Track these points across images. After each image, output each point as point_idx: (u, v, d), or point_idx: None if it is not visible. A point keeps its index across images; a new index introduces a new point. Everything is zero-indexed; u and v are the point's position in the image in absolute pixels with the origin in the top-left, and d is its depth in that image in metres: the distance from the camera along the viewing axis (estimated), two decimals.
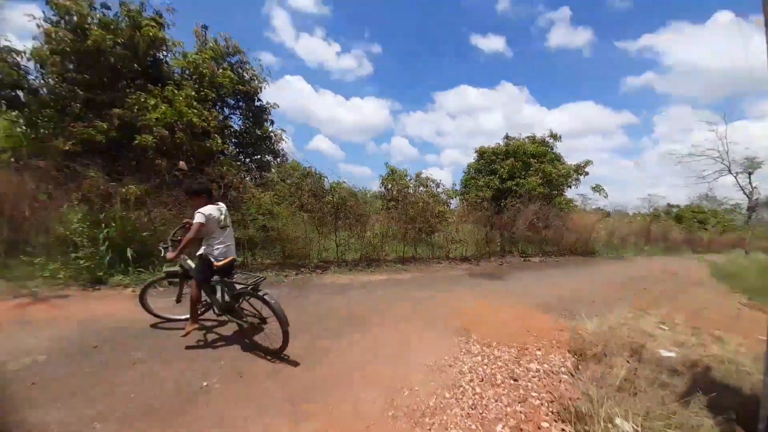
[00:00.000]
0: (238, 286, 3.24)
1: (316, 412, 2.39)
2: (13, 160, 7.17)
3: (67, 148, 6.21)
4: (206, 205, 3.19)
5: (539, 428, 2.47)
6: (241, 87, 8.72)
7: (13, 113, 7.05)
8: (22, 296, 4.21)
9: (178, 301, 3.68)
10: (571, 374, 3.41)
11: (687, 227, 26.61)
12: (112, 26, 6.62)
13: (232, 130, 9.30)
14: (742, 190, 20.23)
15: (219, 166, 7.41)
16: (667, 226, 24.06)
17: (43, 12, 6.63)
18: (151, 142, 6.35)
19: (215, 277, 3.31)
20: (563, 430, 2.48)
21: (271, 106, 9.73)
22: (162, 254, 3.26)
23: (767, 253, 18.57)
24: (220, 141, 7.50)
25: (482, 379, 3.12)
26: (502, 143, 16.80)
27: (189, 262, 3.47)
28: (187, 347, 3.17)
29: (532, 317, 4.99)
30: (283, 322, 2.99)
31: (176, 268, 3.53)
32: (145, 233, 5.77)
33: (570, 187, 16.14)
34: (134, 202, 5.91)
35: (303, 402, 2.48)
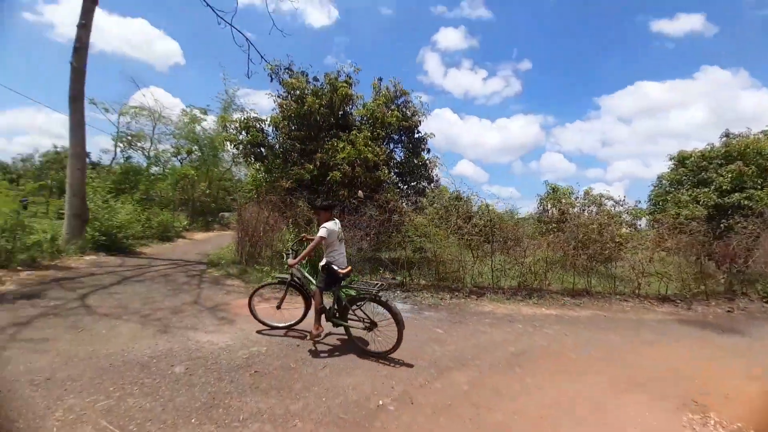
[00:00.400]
0: (361, 291, 3.51)
1: None
2: (256, 196, 10.10)
3: (287, 185, 8.34)
4: (329, 220, 3.65)
5: None
6: (404, 123, 9.67)
7: (257, 165, 10.01)
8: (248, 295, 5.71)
9: (279, 307, 3.95)
10: None
11: None
12: (319, 93, 8.62)
13: (394, 161, 10.38)
14: None
15: (385, 193, 8.33)
16: None
17: (277, 90, 9.30)
18: (339, 177, 7.75)
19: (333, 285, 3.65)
20: None
21: (428, 135, 10.36)
22: (284, 260, 3.90)
23: None
24: (387, 171, 8.44)
25: None
26: (718, 143, 12.37)
27: (303, 271, 3.94)
28: (324, 353, 3.51)
29: None
30: (401, 325, 3.34)
31: (286, 276, 3.99)
32: None
33: None
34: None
35: None
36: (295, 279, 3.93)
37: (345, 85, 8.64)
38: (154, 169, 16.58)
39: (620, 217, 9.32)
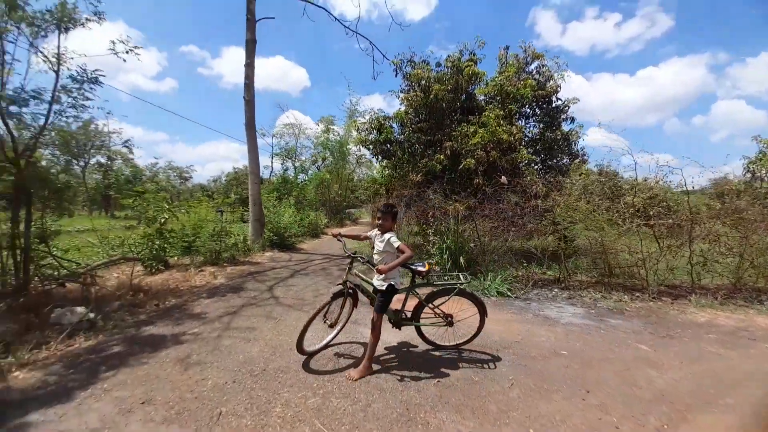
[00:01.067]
0: (446, 286, 3.18)
1: None
2: (385, 191, 10.33)
3: (418, 179, 8.17)
4: (392, 229, 3.04)
5: None
6: (540, 92, 8.23)
7: (385, 161, 10.22)
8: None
9: (332, 325, 3.28)
10: None
11: None
12: (443, 78, 8.10)
13: (527, 138, 9.02)
14: None
15: (523, 176, 7.22)
16: None
17: (400, 86, 9.19)
18: (473, 164, 7.09)
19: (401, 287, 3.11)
20: None
21: (570, 102, 8.57)
22: (349, 264, 3.19)
23: None
24: (525, 151, 7.31)
25: None
26: None
27: (363, 276, 3.26)
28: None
29: None
30: (484, 313, 3.21)
31: (340, 287, 3.14)
32: (472, 243, 6.43)
33: None
34: (462, 217, 6.78)
35: None
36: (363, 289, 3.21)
37: (470, 63, 7.81)
38: (301, 177, 19.32)
39: None
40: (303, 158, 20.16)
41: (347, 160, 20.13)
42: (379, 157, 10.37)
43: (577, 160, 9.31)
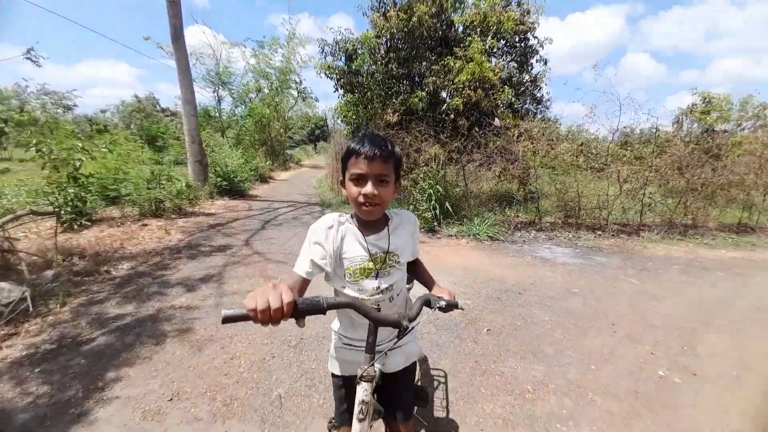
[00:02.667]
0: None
1: None
2: (351, 133, 9.52)
3: (395, 119, 7.58)
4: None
5: None
6: (520, 26, 7.91)
7: (349, 95, 9.19)
8: None
9: None
10: None
11: None
12: None
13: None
14: None
15: (503, 118, 7.21)
16: None
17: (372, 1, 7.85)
18: (460, 105, 6.76)
19: None
20: None
21: (544, 41, 8.46)
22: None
23: None
24: (508, 92, 7.20)
25: None
26: None
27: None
28: None
29: None
30: None
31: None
32: (457, 189, 6.44)
33: None
34: (445, 161, 6.63)
35: None
36: None
37: None
38: (239, 110, 16.59)
39: None
40: (234, 87, 16.97)
41: (289, 92, 17.72)
42: (342, 90, 9.29)
43: (541, 106, 9.63)
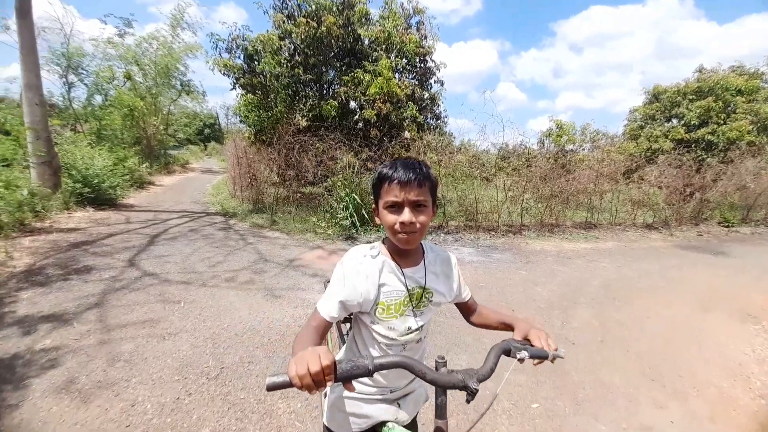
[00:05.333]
0: None
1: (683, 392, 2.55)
2: (252, 137, 8.94)
3: (304, 124, 7.44)
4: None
5: None
6: (420, 49, 8.78)
7: (251, 97, 8.61)
8: (314, 248, 5.45)
9: None
10: None
11: None
12: (335, 9, 7.25)
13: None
14: None
15: (403, 132, 7.88)
16: None
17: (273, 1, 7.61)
18: (373, 116, 7.07)
19: None
20: None
21: (440, 65, 9.60)
22: None
23: None
24: (414, 108, 7.87)
25: None
26: (691, 79, 13.33)
27: None
28: None
29: None
30: None
31: None
32: (372, 196, 6.68)
33: None
34: (360, 170, 6.85)
35: (657, 379, 2.68)
36: None
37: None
38: (97, 100, 13.49)
39: (613, 154, 10.00)
40: (90, 71, 13.73)
41: (172, 84, 15.37)
42: (241, 89, 8.67)
43: (439, 121, 10.82)
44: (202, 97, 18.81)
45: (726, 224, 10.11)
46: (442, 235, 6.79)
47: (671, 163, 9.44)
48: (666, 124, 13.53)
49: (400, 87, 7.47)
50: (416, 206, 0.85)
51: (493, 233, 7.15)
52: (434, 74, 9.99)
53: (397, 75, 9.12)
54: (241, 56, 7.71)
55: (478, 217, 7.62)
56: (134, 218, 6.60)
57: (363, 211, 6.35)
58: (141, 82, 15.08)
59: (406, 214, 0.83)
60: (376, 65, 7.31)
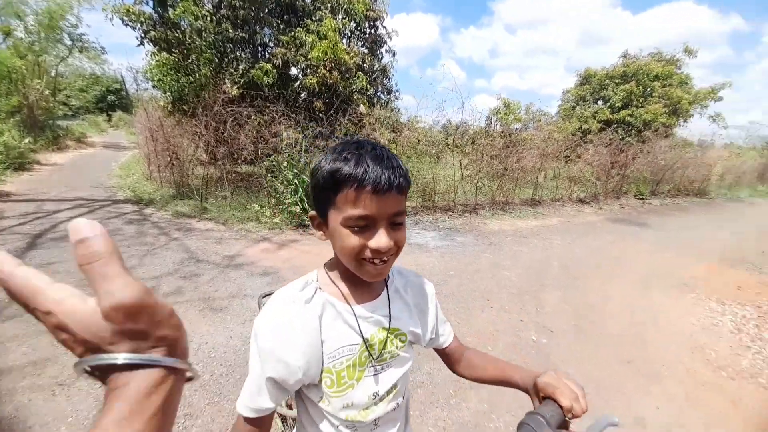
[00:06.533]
0: None
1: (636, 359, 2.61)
2: (171, 105, 7.53)
3: (234, 92, 6.34)
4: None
5: None
6: (369, 12, 8.01)
7: (164, 54, 7.11)
8: (259, 241, 4.74)
9: None
10: None
11: None
12: None
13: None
14: None
15: (356, 105, 7.27)
16: None
17: None
18: (316, 84, 6.26)
19: None
20: None
21: (392, 33, 8.96)
22: None
23: None
24: (364, 78, 7.21)
25: (756, 339, 3.19)
26: (618, 63, 14.55)
27: None
28: None
29: (724, 272, 4.85)
30: None
31: None
32: None
33: (699, 116, 14.10)
34: (306, 148, 6.10)
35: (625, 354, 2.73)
36: None
37: None
38: None
39: (553, 134, 10.57)
40: None
41: (59, 38, 12.24)
42: (152, 45, 7.13)
43: (392, 95, 10.29)
44: (99, 56, 15.60)
45: (641, 197, 11.50)
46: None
47: (602, 142, 10.26)
48: (594, 105, 14.73)
49: (348, 54, 6.73)
50: (393, 223, 0.58)
51: (451, 213, 7.06)
52: (385, 43, 9.33)
53: (345, 40, 8.29)
54: (150, 1, 6.21)
55: (435, 197, 7.47)
56: (9, 211, 5.10)
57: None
58: (23, 38, 11.83)
59: (383, 238, 0.56)
60: (321, 25, 6.43)
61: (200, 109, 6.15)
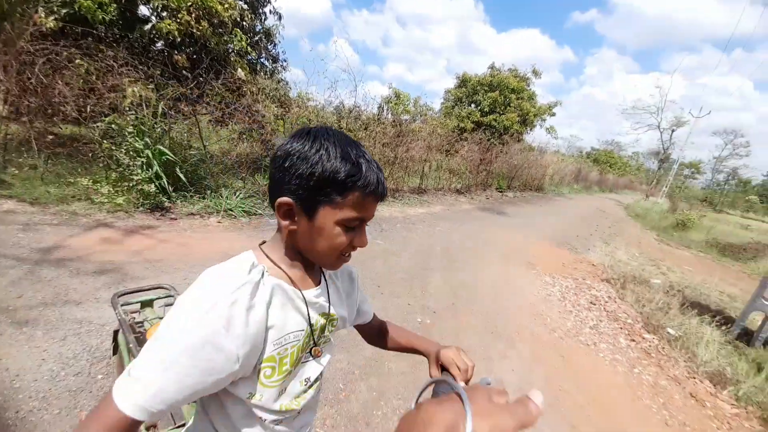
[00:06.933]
0: None
1: (508, 331, 3.13)
2: None
3: (50, 25, 4.65)
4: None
5: (643, 338, 3.67)
6: None
7: None
8: (93, 227, 3.70)
9: None
10: (621, 298, 4.76)
11: (600, 169, 31.97)
12: None
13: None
14: (662, 144, 24.72)
15: (232, 69, 6.40)
16: (589, 169, 28.63)
17: None
18: (175, 30, 5.12)
19: None
20: (653, 338, 3.73)
21: None
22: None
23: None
24: (244, 39, 6.31)
25: (575, 305, 4.21)
26: (487, 72, 16.93)
27: None
28: None
29: (553, 251, 6.30)
30: None
31: None
32: (192, 151, 5.08)
33: (539, 126, 17.64)
34: (164, 111, 4.97)
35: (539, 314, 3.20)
36: None
37: None
38: None
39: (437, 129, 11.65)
40: None
41: None
42: None
43: (278, 65, 9.45)
44: None
45: (500, 190, 13.85)
46: None
47: (474, 141, 11.84)
48: (468, 107, 16.83)
49: (221, 3, 5.75)
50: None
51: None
52: (269, 1, 8.40)
53: None
54: None
55: None
56: None
57: (178, 171, 4.76)
58: None
59: (366, 236, 0.63)
60: None
61: None
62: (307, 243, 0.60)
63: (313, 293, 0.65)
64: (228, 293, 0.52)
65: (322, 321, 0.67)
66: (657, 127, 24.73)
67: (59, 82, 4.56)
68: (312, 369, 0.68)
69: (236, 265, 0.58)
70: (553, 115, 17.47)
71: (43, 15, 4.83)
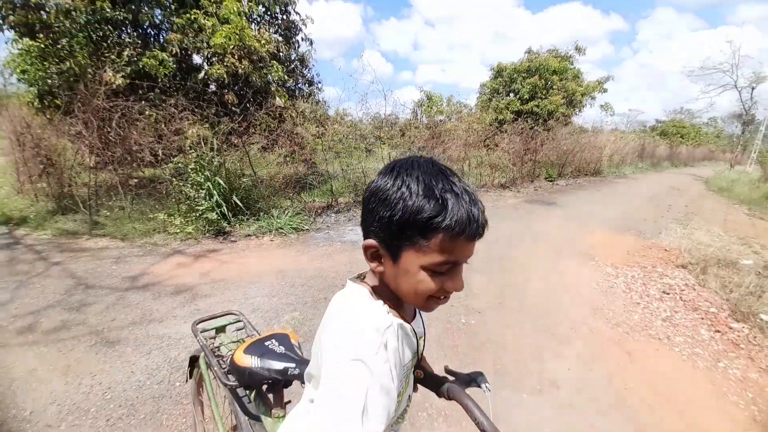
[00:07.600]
0: None
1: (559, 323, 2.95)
2: (37, 102, 6.34)
3: (118, 82, 5.46)
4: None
5: (730, 328, 3.22)
6: None
7: (32, 41, 5.87)
8: (170, 254, 4.23)
9: None
10: (701, 285, 4.21)
11: (670, 142, 28.46)
12: None
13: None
14: (743, 104, 21.37)
15: (272, 98, 6.89)
16: (655, 143, 25.63)
17: None
18: (224, 75, 5.71)
19: None
20: (743, 327, 3.25)
21: (307, 19, 8.60)
22: None
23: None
24: (281, 69, 6.81)
25: (644, 296, 3.82)
26: (524, 58, 16.12)
27: None
28: None
29: (615, 239, 5.75)
30: None
31: None
32: (243, 178, 5.59)
33: (590, 105, 16.32)
34: (220, 146, 5.56)
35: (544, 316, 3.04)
36: None
37: None
38: None
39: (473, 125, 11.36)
40: None
41: None
42: (9, 31, 5.86)
43: (313, 87, 9.98)
44: None
45: (550, 179, 13.01)
46: (333, 215, 6.34)
47: (515, 131, 11.32)
48: (506, 97, 16.15)
49: (259, 41, 6.27)
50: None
51: None
52: (300, 30, 8.94)
53: (254, 26, 7.72)
54: None
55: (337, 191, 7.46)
56: None
57: (235, 198, 5.27)
58: None
59: (461, 281, 0.58)
60: (221, 7, 5.86)
61: (76, 105, 5.21)
62: (395, 286, 0.59)
63: (417, 324, 0.68)
64: (378, 332, 0.51)
65: (421, 346, 0.69)
66: (734, 86, 21.30)
67: (134, 132, 5.33)
68: (410, 388, 0.72)
69: (370, 305, 0.58)
70: (605, 91, 16.03)
71: (111, 74, 5.69)
